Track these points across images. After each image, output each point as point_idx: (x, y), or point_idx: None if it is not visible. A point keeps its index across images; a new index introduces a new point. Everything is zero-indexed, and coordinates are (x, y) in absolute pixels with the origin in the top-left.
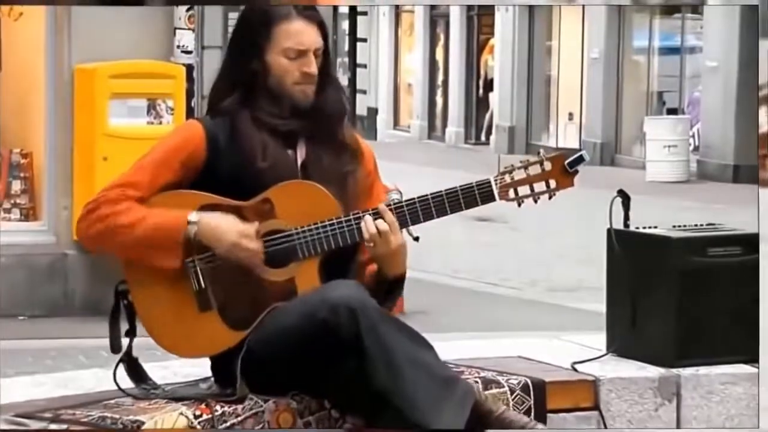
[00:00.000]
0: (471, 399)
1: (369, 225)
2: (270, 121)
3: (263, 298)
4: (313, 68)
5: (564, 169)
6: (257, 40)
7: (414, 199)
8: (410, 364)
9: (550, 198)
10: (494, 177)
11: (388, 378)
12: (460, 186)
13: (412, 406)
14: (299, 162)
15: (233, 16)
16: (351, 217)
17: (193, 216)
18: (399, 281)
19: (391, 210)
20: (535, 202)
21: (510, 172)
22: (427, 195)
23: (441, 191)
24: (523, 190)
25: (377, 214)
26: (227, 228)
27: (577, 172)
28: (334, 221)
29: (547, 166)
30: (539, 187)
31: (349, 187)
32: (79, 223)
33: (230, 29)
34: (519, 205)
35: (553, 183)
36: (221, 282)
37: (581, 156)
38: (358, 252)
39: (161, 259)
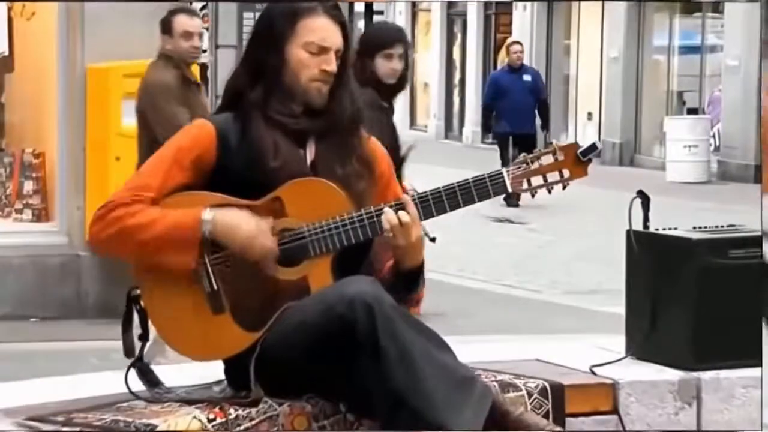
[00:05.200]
0: (489, 399)
1: (390, 216)
2: (281, 120)
3: (276, 297)
4: (333, 66)
5: (577, 158)
6: (280, 32)
7: (426, 192)
8: (427, 362)
9: (564, 188)
10: (506, 168)
11: (405, 376)
12: (473, 178)
13: (430, 405)
14: (308, 160)
15: (248, 16)
16: (363, 213)
17: (207, 214)
18: (417, 272)
19: (414, 202)
20: (549, 192)
21: (523, 163)
22: (439, 188)
23: (453, 184)
24: (536, 180)
25: (400, 206)
26: (242, 224)
27: (590, 161)
28: (346, 218)
29: (560, 156)
30: (552, 177)
31: (358, 188)
32: (92, 228)
33: (245, 29)
34: (533, 195)
35: (566, 173)
36: (233, 283)
37: (594, 145)
38: (370, 249)
39: (176, 258)
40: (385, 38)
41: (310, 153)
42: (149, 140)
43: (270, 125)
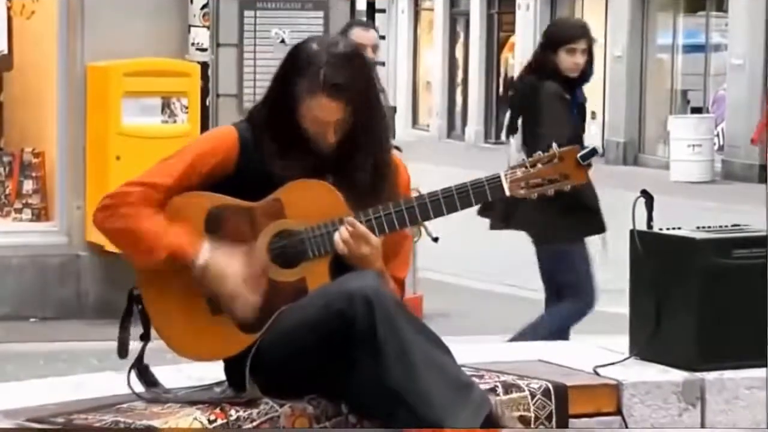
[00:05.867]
0: (486, 407)
1: (342, 233)
2: (295, 156)
3: (274, 299)
4: (331, 137)
5: (576, 162)
6: (291, 98)
7: (423, 196)
8: (426, 361)
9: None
10: (504, 171)
11: (403, 374)
12: (471, 182)
13: (427, 404)
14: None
15: (249, 14)
16: (360, 215)
17: (202, 257)
18: None
19: (411, 206)
20: (548, 195)
21: (521, 167)
22: (437, 192)
23: (451, 187)
24: (535, 184)
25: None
26: (229, 277)
27: (590, 165)
28: (349, 219)
29: (560, 159)
30: (551, 181)
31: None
32: (97, 213)
33: (246, 27)
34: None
35: (565, 177)
36: None
37: (593, 149)
38: None
39: (160, 267)
40: (569, 33)
41: (329, 180)
42: None
43: (289, 148)
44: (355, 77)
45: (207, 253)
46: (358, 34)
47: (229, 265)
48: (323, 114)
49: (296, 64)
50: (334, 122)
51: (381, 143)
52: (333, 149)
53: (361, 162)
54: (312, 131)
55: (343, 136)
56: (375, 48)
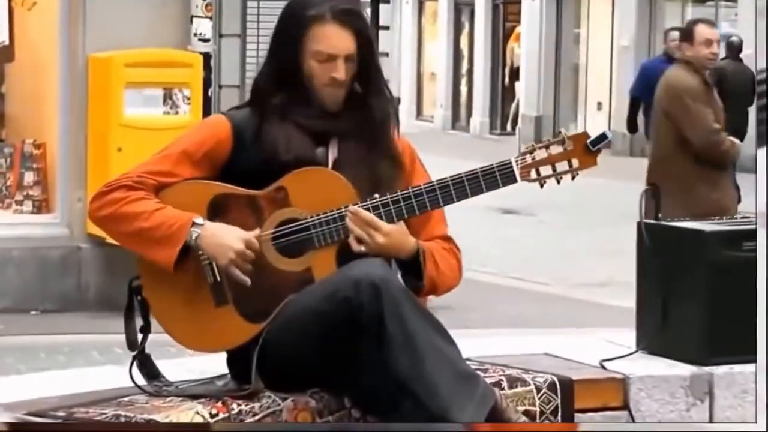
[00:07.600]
0: (491, 400)
1: (352, 227)
2: (299, 120)
3: (279, 289)
4: (341, 74)
5: (586, 148)
6: (292, 40)
7: (433, 182)
8: (432, 351)
9: (573, 178)
10: (515, 158)
11: (409, 362)
12: (481, 168)
13: (432, 394)
14: (330, 160)
15: (252, 5)
16: (368, 202)
17: (199, 219)
18: (412, 260)
19: (420, 191)
20: (558, 182)
21: (531, 152)
22: (446, 178)
23: (461, 174)
24: (545, 170)
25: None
26: (228, 241)
27: (599, 151)
28: (351, 208)
29: (569, 145)
30: (561, 167)
31: (388, 188)
32: (92, 203)
33: (248, 17)
34: (541, 186)
35: (575, 162)
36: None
37: (603, 134)
38: None
39: (156, 255)
40: None
41: (332, 153)
42: (674, 139)
43: (287, 123)
44: (361, 15)
45: (205, 221)
46: (704, 31)
47: (227, 227)
48: (334, 42)
49: (295, 12)
50: (344, 58)
51: (384, 108)
52: (340, 109)
53: (366, 126)
54: (319, 81)
55: (348, 99)
56: (718, 43)
